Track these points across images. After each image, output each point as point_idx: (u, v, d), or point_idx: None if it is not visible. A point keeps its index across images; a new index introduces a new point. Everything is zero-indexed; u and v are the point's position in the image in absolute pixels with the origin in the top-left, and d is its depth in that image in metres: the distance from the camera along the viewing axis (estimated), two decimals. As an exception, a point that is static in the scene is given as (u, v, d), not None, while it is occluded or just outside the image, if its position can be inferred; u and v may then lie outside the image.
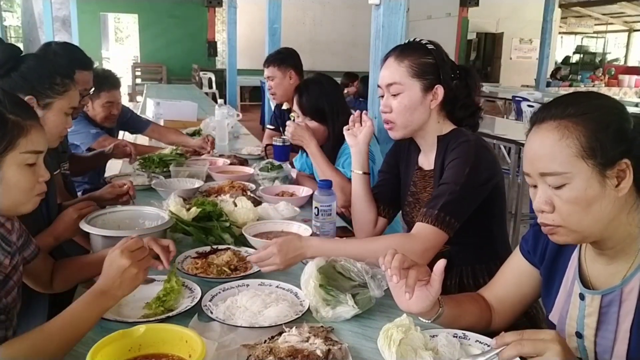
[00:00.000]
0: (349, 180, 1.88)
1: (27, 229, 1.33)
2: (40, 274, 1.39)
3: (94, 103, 2.89)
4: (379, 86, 1.61)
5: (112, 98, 2.94)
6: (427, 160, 1.65)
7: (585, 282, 1.05)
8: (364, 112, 1.80)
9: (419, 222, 1.45)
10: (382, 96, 1.59)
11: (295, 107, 2.31)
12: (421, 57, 1.53)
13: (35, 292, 1.44)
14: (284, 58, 3.19)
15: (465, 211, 1.46)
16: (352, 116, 1.81)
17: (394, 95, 1.55)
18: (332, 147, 2.27)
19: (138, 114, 3.74)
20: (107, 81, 2.92)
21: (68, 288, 1.45)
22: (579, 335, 1.05)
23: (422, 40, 1.59)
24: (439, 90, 1.54)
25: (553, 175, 0.95)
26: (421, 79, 1.53)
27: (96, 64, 2.90)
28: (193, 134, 3.66)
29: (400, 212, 1.79)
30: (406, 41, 1.64)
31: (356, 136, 1.77)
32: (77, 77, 2.05)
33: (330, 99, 2.26)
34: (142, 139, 3.69)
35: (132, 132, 3.54)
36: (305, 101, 2.26)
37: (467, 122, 1.63)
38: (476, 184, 1.46)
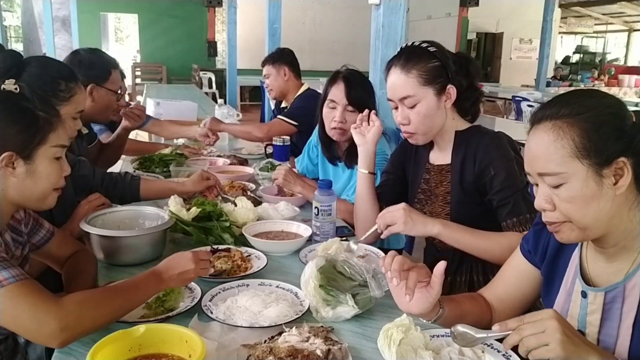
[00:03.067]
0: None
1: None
2: (57, 257, 1.41)
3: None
4: (389, 99, 1.59)
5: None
6: (441, 155, 1.65)
7: (586, 281, 1.06)
8: (372, 111, 1.79)
9: (517, 231, 1.45)
10: (396, 108, 1.58)
11: (336, 95, 2.13)
12: (428, 62, 1.52)
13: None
14: (278, 56, 3.36)
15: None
16: (360, 115, 1.80)
17: (411, 107, 1.54)
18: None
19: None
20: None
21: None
22: (581, 333, 1.05)
23: (422, 43, 1.56)
24: (452, 90, 1.54)
25: (550, 175, 0.97)
26: (433, 85, 1.52)
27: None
28: None
29: None
30: (404, 45, 1.62)
31: (364, 135, 1.76)
32: (113, 77, 2.17)
33: (373, 96, 2.18)
34: (141, 137, 3.68)
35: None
36: (353, 90, 2.12)
37: (471, 110, 1.64)
38: (523, 174, 1.48)
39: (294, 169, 2.31)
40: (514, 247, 1.37)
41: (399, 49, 1.62)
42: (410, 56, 1.54)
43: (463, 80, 1.57)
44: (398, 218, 1.44)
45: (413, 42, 1.60)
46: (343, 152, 2.25)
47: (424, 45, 1.56)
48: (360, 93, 2.12)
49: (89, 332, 1.09)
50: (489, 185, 1.51)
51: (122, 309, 1.15)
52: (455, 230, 1.48)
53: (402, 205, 1.47)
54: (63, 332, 1.02)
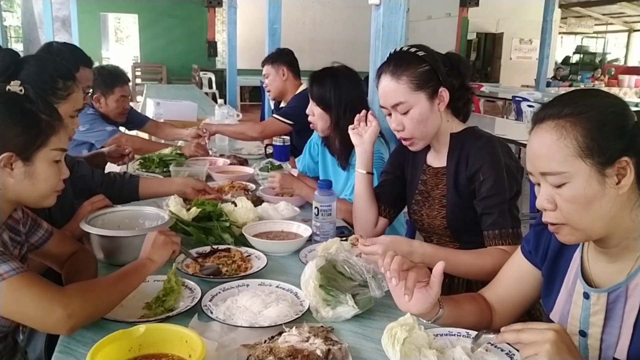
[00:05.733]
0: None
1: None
2: (56, 257, 1.42)
3: (108, 99, 2.94)
4: (381, 106, 1.59)
5: (125, 92, 3.01)
6: (437, 157, 1.65)
7: (588, 282, 1.06)
8: (370, 112, 1.79)
9: (499, 246, 1.45)
10: (389, 114, 1.57)
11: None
12: (417, 67, 1.51)
13: None
14: (277, 56, 3.37)
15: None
16: (357, 116, 1.80)
17: (404, 113, 1.53)
18: (340, 142, 2.19)
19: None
20: (119, 77, 2.99)
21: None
22: (583, 333, 1.05)
23: (410, 48, 1.55)
24: (444, 93, 1.53)
25: (552, 174, 0.96)
26: (424, 89, 1.51)
27: (96, 64, 2.92)
28: None
29: (407, 211, 1.78)
30: (392, 51, 1.60)
31: (361, 135, 1.77)
32: (81, 74, 2.06)
33: (341, 93, 2.18)
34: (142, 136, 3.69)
35: (130, 129, 3.55)
36: (314, 89, 2.23)
37: (463, 110, 1.63)
38: (512, 183, 1.49)
39: (288, 172, 2.31)
40: (496, 265, 1.36)
41: (387, 56, 1.60)
42: (399, 62, 1.53)
43: (455, 81, 1.56)
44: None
45: (401, 48, 1.58)
46: (336, 153, 2.26)
47: (412, 50, 1.54)
48: (320, 90, 2.22)
49: (94, 317, 1.14)
50: (477, 191, 1.51)
51: (120, 293, 1.20)
52: (435, 260, 1.45)
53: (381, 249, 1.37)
54: (70, 319, 1.06)
